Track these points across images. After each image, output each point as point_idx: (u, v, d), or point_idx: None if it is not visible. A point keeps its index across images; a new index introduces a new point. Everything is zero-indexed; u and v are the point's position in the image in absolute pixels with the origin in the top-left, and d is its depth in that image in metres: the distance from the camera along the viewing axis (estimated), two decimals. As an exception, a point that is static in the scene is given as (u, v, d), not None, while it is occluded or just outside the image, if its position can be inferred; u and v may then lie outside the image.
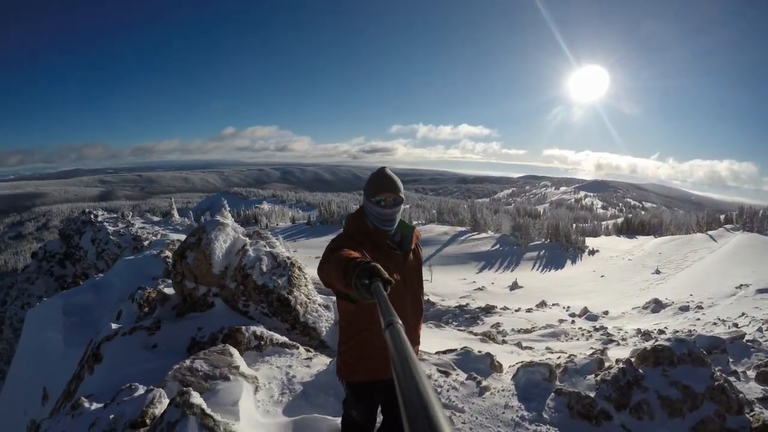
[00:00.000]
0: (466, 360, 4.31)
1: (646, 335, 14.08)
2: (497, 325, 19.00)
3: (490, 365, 4.07)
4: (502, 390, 3.57)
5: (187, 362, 3.56)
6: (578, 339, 14.63)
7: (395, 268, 1.91)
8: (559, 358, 4.23)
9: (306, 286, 5.97)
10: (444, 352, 4.65)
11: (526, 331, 16.74)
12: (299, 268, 6.15)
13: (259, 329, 4.61)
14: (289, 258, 6.21)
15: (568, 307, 25.48)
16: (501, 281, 39.63)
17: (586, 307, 23.51)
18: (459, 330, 12.58)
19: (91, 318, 7.10)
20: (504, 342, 11.27)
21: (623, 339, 14.01)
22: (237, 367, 3.60)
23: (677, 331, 14.13)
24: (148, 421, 2.56)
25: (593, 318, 21.36)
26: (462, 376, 3.87)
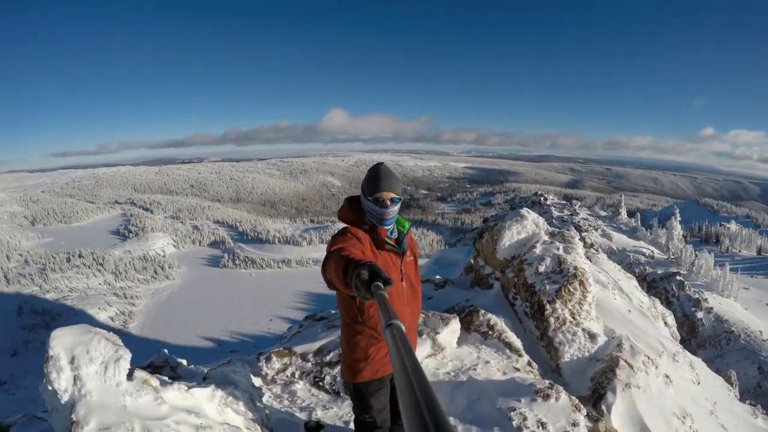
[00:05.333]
0: None
1: None
2: None
3: None
4: None
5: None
6: None
7: (394, 266, 1.96)
8: None
9: (579, 304, 5.18)
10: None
11: None
12: (581, 283, 5.36)
13: (496, 320, 4.75)
14: (576, 268, 5.52)
15: None
16: None
17: None
18: None
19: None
20: None
21: None
22: (438, 333, 4.12)
23: None
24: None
25: None
26: None
